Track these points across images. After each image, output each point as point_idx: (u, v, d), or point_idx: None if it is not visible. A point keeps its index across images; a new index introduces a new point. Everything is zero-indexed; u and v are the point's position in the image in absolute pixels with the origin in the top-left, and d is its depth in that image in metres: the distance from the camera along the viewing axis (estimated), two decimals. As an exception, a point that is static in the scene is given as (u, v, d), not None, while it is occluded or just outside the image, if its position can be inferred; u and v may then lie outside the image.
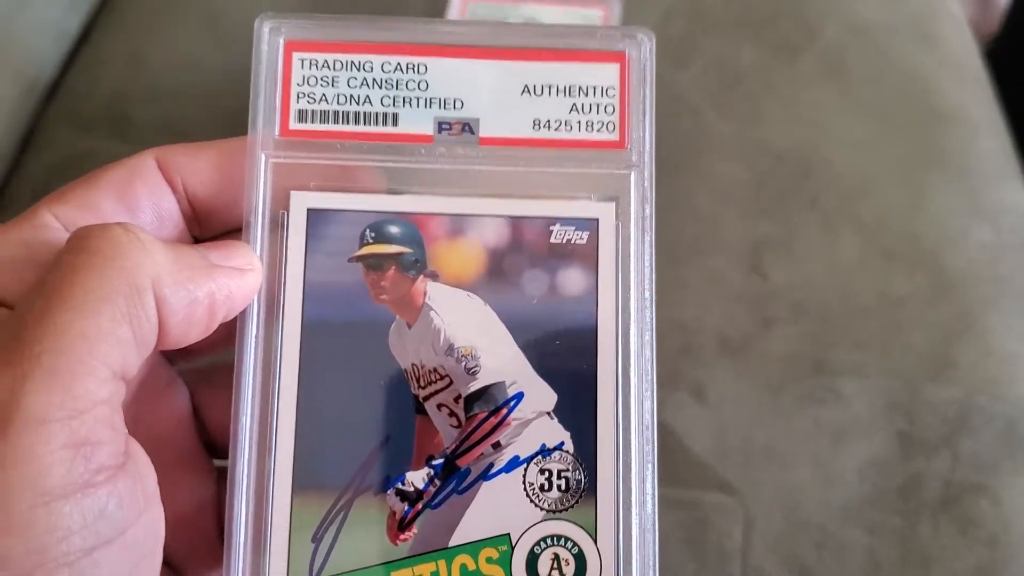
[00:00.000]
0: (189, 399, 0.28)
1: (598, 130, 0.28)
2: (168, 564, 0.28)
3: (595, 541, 0.26)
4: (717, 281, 0.43)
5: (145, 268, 0.23)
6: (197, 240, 0.28)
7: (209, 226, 0.28)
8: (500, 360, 0.27)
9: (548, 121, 0.28)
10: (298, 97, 0.28)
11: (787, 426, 0.40)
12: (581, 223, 0.28)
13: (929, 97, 0.48)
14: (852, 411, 0.40)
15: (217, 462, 0.29)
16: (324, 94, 0.28)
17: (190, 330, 0.24)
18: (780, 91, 0.48)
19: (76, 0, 0.52)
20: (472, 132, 0.28)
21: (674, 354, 0.41)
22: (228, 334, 0.27)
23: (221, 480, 0.29)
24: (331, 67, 0.28)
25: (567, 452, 0.27)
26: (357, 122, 0.28)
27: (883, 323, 0.42)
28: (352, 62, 0.28)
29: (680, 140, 0.45)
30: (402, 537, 0.26)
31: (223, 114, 0.41)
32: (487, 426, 0.27)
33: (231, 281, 0.25)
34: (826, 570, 0.38)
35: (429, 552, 0.26)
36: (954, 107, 0.48)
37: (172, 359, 0.28)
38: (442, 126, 0.28)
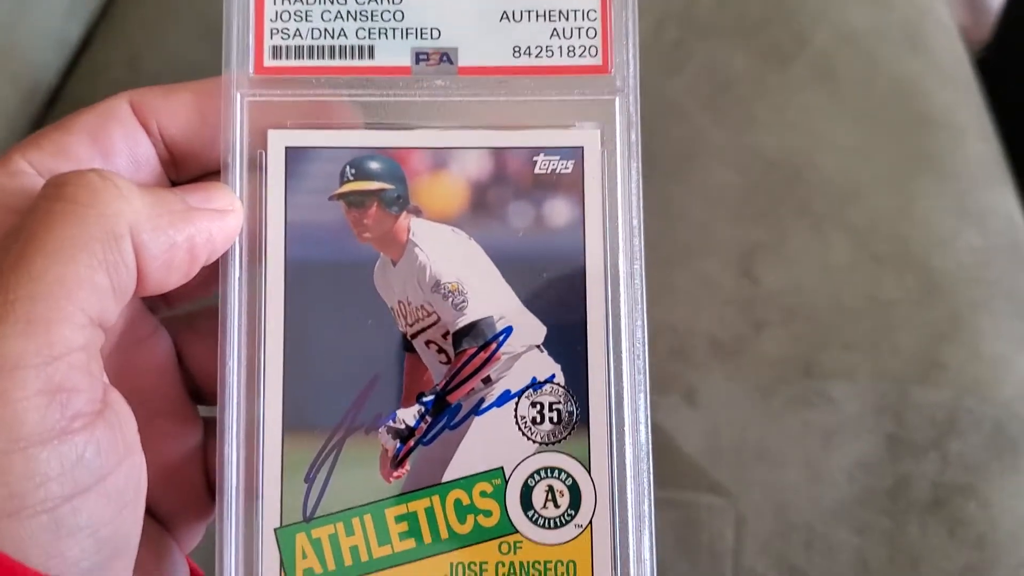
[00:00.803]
0: (172, 347, 0.28)
1: (580, 55, 0.27)
2: (154, 516, 0.28)
3: (589, 471, 0.26)
4: (708, 285, 0.43)
5: (123, 214, 0.22)
6: (174, 184, 0.27)
7: (186, 169, 0.27)
8: (487, 295, 0.27)
9: (529, 48, 0.27)
10: (271, 33, 0.27)
11: (778, 428, 0.41)
12: (566, 152, 0.27)
13: (918, 102, 0.48)
14: (842, 413, 0.41)
15: (203, 410, 0.29)
16: (298, 29, 0.27)
17: (171, 275, 0.24)
18: (771, 97, 0.48)
19: (76, 7, 0.52)
20: (451, 62, 0.27)
21: (666, 357, 0.42)
22: (209, 279, 0.26)
23: (207, 429, 0.28)
24: (304, 1, 0.27)
25: (558, 384, 0.26)
26: (332, 56, 0.27)
27: (873, 326, 0.43)
28: (325, -6, 0.27)
29: (672, 145, 0.45)
30: (395, 474, 0.26)
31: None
32: (476, 361, 0.27)
33: (211, 224, 0.25)
34: (816, 570, 0.39)
35: (423, 488, 0.26)
36: (943, 112, 0.48)
37: (154, 307, 0.28)
38: (420, 57, 0.27)
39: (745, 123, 0.47)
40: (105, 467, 0.22)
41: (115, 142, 0.25)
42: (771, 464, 0.40)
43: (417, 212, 0.27)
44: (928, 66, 0.49)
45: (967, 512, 0.39)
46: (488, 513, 0.26)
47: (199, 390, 0.29)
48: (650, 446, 0.26)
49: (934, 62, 0.50)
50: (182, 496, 0.28)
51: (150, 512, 0.26)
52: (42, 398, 0.20)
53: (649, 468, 0.26)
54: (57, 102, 0.52)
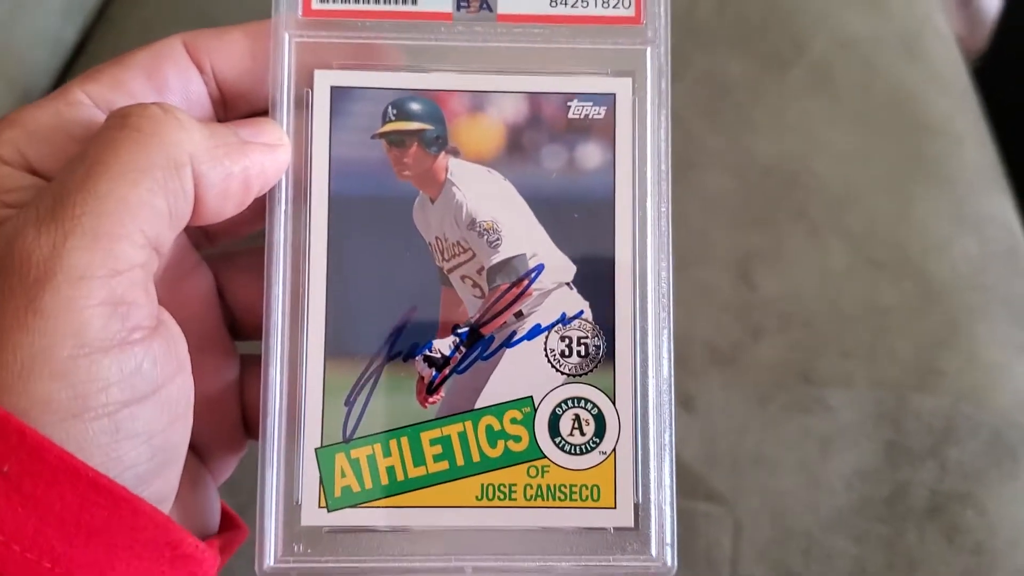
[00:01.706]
0: (213, 282, 0.29)
1: (615, 6, 0.28)
2: (191, 446, 0.29)
3: (614, 402, 0.28)
4: (706, 291, 0.44)
5: (183, 144, 0.24)
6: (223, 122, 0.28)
7: (235, 109, 0.28)
8: (521, 233, 0.28)
9: (565, -3, 0.28)
10: (318, -23, 0.28)
11: (775, 435, 0.41)
12: (598, 98, 0.28)
13: (915, 109, 0.48)
14: (840, 420, 0.41)
15: (240, 346, 0.30)
16: (344, -26, 0.28)
17: (226, 203, 0.25)
18: (769, 103, 0.48)
19: (72, 10, 0.52)
20: (490, 9, 0.28)
21: None
22: (252, 216, 0.27)
23: (244, 365, 0.30)
24: (350, -54, 0.28)
25: (586, 320, 0.28)
26: (377, 1, 0.28)
27: (870, 332, 0.43)
28: (370, -59, 0.28)
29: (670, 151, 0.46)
30: (431, 400, 0.27)
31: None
32: (509, 296, 0.28)
33: (263, 156, 0.26)
34: (814, 578, 0.39)
35: (456, 414, 0.27)
36: (940, 119, 0.48)
37: (197, 244, 0.29)
38: (460, 3, 0.28)
39: (743, 129, 0.47)
40: (160, 378, 0.23)
41: (169, 79, 0.27)
42: (769, 471, 0.41)
43: (455, 152, 0.28)
44: (926, 74, 0.50)
45: (965, 519, 0.40)
46: (518, 439, 0.27)
47: (238, 325, 0.31)
48: (672, 380, 0.28)
49: (932, 70, 0.50)
50: (219, 428, 0.30)
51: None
52: (105, 308, 0.22)
53: (671, 400, 0.28)
54: None
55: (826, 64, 0.49)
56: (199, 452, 0.30)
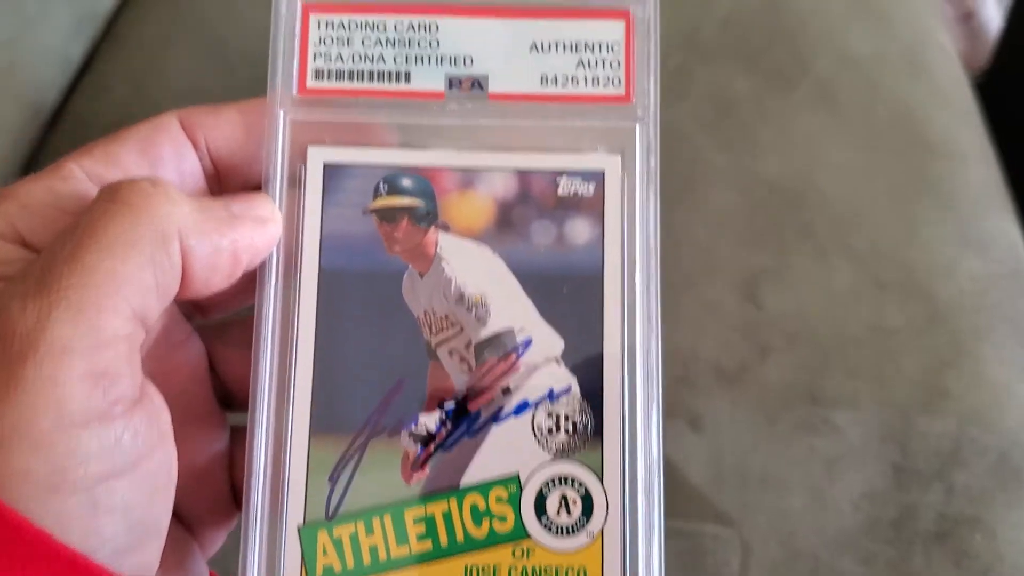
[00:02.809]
0: (205, 354, 0.29)
1: (604, 85, 0.29)
2: (178, 518, 0.28)
3: (602, 481, 0.27)
4: (713, 310, 0.44)
5: (172, 218, 0.24)
6: (217, 197, 0.29)
7: (229, 183, 0.29)
8: (509, 308, 0.28)
9: (555, 77, 0.29)
10: (315, 57, 0.29)
11: (782, 455, 0.41)
12: (588, 175, 0.29)
13: (919, 128, 0.49)
14: (847, 442, 0.41)
15: (232, 417, 0.30)
16: (340, 53, 0.29)
17: (214, 277, 0.25)
18: (774, 122, 0.48)
19: (80, 27, 0.53)
20: (482, 88, 0.29)
21: (671, 383, 0.42)
22: (244, 290, 0.28)
23: (234, 436, 0.30)
24: (346, 28, 0.29)
25: (574, 396, 0.28)
26: (371, 80, 0.29)
27: (876, 353, 0.43)
28: (366, 22, 0.29)
29: (675, 170, 0.46)
30: (416, 477, 0.27)
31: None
32: (497, 371, 0.28)
33: (253, 231, 0.26)
34: (822, 600, 0.39)
35: (441, 492, 0.27)
36: (944, 138, 0.49)
37: (188, 316, 0.29)
38: (453, 83, 0.29)
39: (748, 147, 0.48)
40: (140, 452, 0.23)
41: (163, 154, 0.27)
42: (776, 492, 0.40)
43: (445, 227, 0.28)
44: (929, 92, 0.50)
45: (973, 543, 0.39)
46: (503, 518, 0.27)
47: (228, 396, 0.31)
48: (661, 459, 0.27)
49: (935, 88, 0.50)
50: (207, 500, 0.29)
51: (175, 513, 0.27)
52: (87, 380, 0.22)
53: (660, 480, 0.27)
54: (60, 120, 0.52)
55: (830, 82, 0.49)
56: (187, 524, 0.29)
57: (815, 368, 0.42)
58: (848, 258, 0.45)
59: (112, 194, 0.24)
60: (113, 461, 0.22)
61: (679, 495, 0.40)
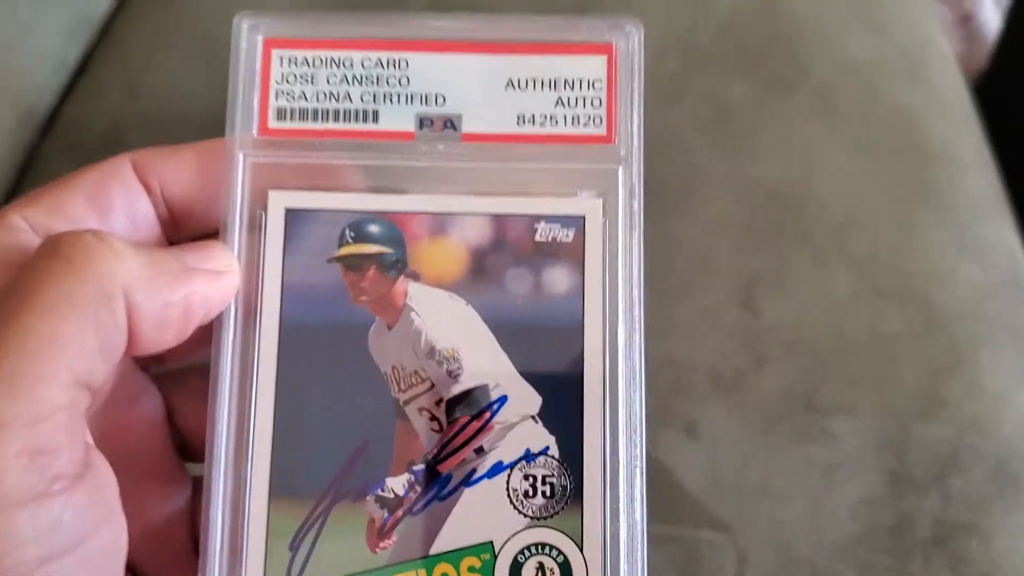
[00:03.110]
0: (162, 405, 0.28)
1: (585, 124, 0.27)
2: None
3: (581, 549, 0.25)
4: (709, 318, 0.43)
5: (117, 274, 0.22)
6: (173, 244, 0.27)
7: (185, 229, 0.27)
8: (483, 362, 0.26)
9: (533, 116, 0.27)
10: (277, 95, 0.27)
11: (779, 463, 0.40)
12: (567, 220, 0.27)
13: (918, 134, 0.48)
14: (844, 450, 0.40)
15: (191, 467, 0.28)
16: (303, 92, 0.27)
17: (164, 335, 0.24)
18: (772, 128, 0.48)
19: (75, 30, 0.53)
20: (455, 128, 0.27)
21: (666, 391, 0.41)
22: (203, 338, 0.26)
23: (194, 489, 0.28)
24: (311, 64, 0.27)
25: (552, 457, 0.26)
26: (337, 120, 0.27)
27: (874, 360, 0.42)
28: (332, 58, 0.27)
29: (671, 176, 0.45)
30: (382, 545, 0.25)
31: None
32: (469, 430, 0.26)
33: (207, 284, 0.25)
34: (818, 608, 0.38)
35: (409, 560, 0.25)
36: (943, 144, 0.48)
37: (145, 364, 0.28)
38: (424, 122, 0.27)
39: (745, 154, 0.47)
40: (83, 530, 0.21)
41: (113, 200, 0.25)
42: (772, 500, 0.40)
43: (415, 276, 0.27)
44: (928, 98, 0.49)
45: (969, 550, 0.39)
46: (476, 589, 0.25)
47: (188, 447, 0.29)
48: (645, 524, 0.25)
49: (934, 94, 0.50)
50: (167, 558, 0.28)
51: (132, 571, 0.26)
52: (23, 459, 0.20)
53: (644, 547, 0.25)
54: (54, 124, 0.52)
55: (828, 88, 0.49)
56: None
57: (812, 376, 0.42)
58: (846, 265, 0.44)
59: (53, 249, 0.22)
60: (53, 543, 0.21)
61: (674, 502, 0.39)
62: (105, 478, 0.22)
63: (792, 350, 0.42)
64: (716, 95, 0.48)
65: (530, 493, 0.26)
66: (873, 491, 0.40)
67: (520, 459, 0.26)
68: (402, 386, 0.26)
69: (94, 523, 0.22)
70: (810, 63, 0.49)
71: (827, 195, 0.46)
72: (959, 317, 0.43)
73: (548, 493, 0.26)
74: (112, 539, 0.22)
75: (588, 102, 0.27)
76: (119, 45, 0.53)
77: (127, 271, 0.23)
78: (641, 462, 0.26)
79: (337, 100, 0.27)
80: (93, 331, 0.22)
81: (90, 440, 0.23)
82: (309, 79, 0.27)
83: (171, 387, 0.28)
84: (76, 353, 0.21)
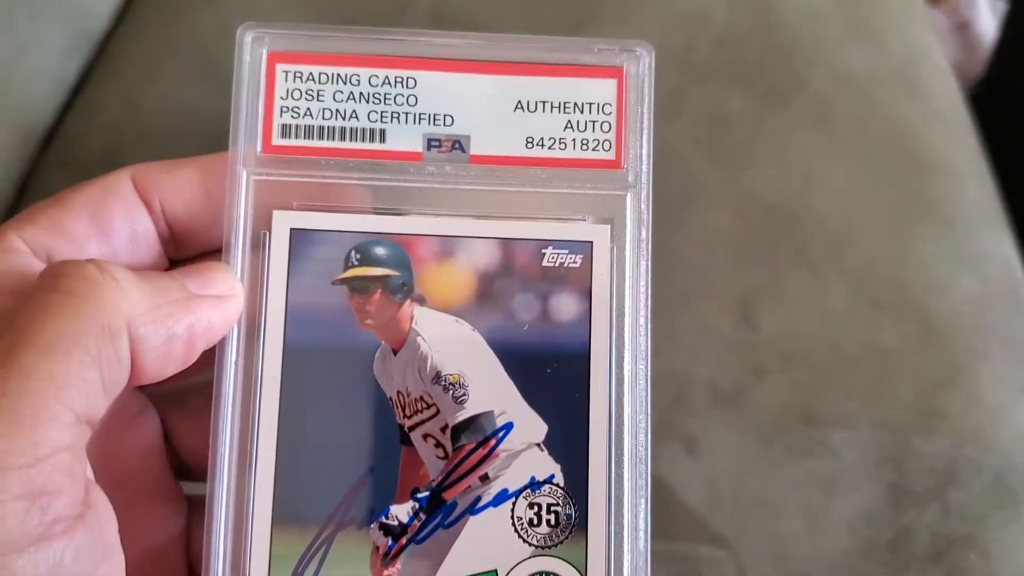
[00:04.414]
0: (160, 426, 0.27)
1: (594, 148, 0.27)
2: None
3: (585, 578, 0.25)
4: (707, 331, 0.43)
5: (120, 308, 0.22)
6: (174, 262, 0.26)
7: (187, 247, 0.26)
8: (489, 389, 0.26)
9: (542, 139, 0.27)
10: (281, 111, 0.27)
11: (778, 477, 0.40)
12: (575, 246, 0.27)
13: (914, 145, 0.48)
14: (842, 463, 0.41)
15: (187, 487, 0.28)
16: (309, 108, 0.27)
17: (168, 365, 0.23)
18: (769, 140, 0.48)
19: (74, 47, 0.52)
20: (462, 150, 0.27)
21: (665, 404, 0.41)
22: (203, 358, 0.25)
23: (191, 510, 0.28)
24: (316, 80, 0.27)
25: (557, 485, 0.26)
26: (343, 138, 0.27)
27: (872, 373, 0.42)
28: (339, 75, 0.27)
29: (669, 189, 0.45)
30: (386, 573, 0.25)
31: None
32: (475, 458, 0.26)
33: (211, 311, 0.24)
34: (818, 623, 0.39)
35: (413, 588, 0.25)
36: (939, 156, 0.48)
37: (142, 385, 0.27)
38: (431, 143, 0.27)
39: (743, 166, 0.47)
40: (84, 571, 0.21)
41: (114, 219, 0.25)
42: (771, 514, 0.40)
43: (421, 300, 0.26)
44: (925, 109, 0.50)
45: (968, 563, 0.39)
46: (480, 617, 0.25)
47: (185, 467, 0.28)
48: (649, 554, 0.26)
49: (930, 105, 0.50)
50: None
51: None
52: (22, 502, 0.20)
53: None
54: (53, 141, 0.51)
55: (825, 100, 0.49)
56: None
57: (810, 389, 0.42)
58: (843, 277, 0.44)
59: (54, 281, 0.22)
60: None
61: (673, 517, 0.39)
62: (105, 516, 0.22)
63: (790, 363, 0.42)
64: (713, 108, 0.48)
65: (535, 521, 0.26)
66: (872, 504, 0.40)
67: (525, 487, 0.26)
68: (407, 412, 0.26)
69: (93, 564, 0.21)
70: (806, 75, 0.49)
71: (824, 207, 0.46)
72: (956, 329, 0.43)
73: (553, 522, 0.26)
74: None
75: (597, 126, 0.27)
76: (118, 62, 0.52)
77: (130, 304, 0.22)
78: (647, 492, 0.26)
79: (343, 118, 0.27)
80: (96, 367, 0.21)
81: (91, 475, 0.22)
82: (315, 95, 0.27)
83: (169, 407, 0.28)
84: (77, 392, 0.21)
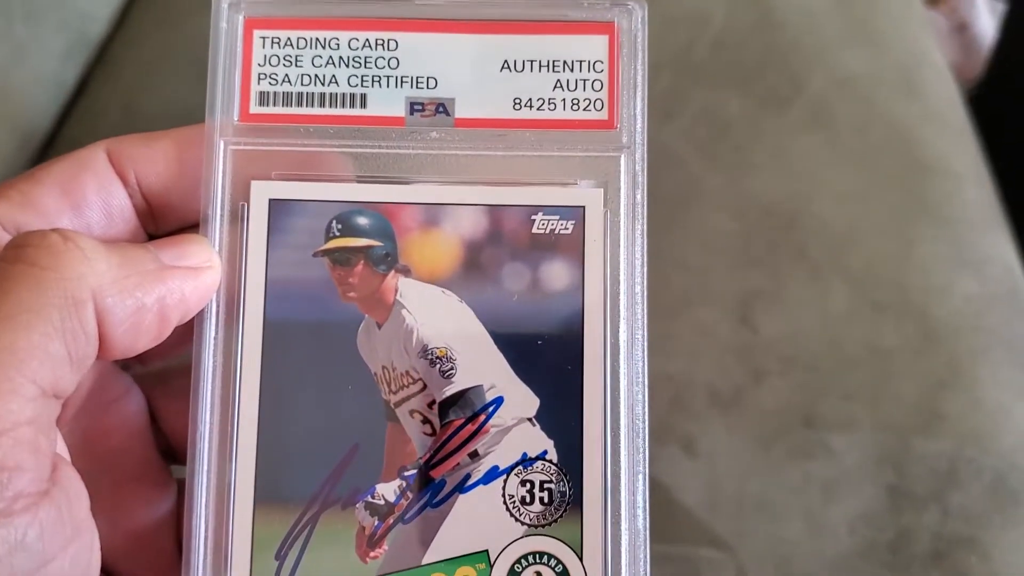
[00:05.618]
0: (145, 406, 0.27)
1: (585, 108, 0.26)
2: None
3: (581, 558, 0.24)
4: (707, 333, 0.43)
5: (85, 278, 0.21)
6: (152, 237, 0.26)
7: (165, 221, 0.26)
8: (477, 362, 0.25)
9: (530, 99, 0.26)
10: (259, 78, 0.26)
11: (778, 480, 0.40)
12: (566, 211, 0.25)
13: (914, 147, 0.48)
14: (842, 465, 0.41)
15: (176, 469, 0.27)
16: (287, 75, 0.26)
17: (139, 339, 0.23)
18: (768, 142, 0.48)
19: (73, 51, 0.52)
20: (447, 113, 0.26)
21: (664, 407, 0.41)
22: (186, 335, 0.25)
23: (180, 492, 0.27)
24: (294, 45, 0.26)
25: (550, 462, 0.25)
26: (323, 104, 0.26)
27: (872, 375, 0.42)
28: (317, 39, 0.26)
29: (668, 192, 0.45)
30: (372, 554, 0.24)
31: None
32: (464, 434, 0.25)
33: (184, 282, 0.23)
34: (818, 624, 0.39)
35: (401, 570, 0.24)
36: (939, 158, 0.48)
37: (126, 364, 0.27)
38: (414, 107, 0.26)
39: (742, 169, 0.47)
40: (48, 551, 0.20)
41: (87, 193, 0.24)
42: (772, 517, 0.40)
43: (406, 272, 0.25)
44: (924, 111, 0.49)
45: (968, 565, 0.39)
46: (470, 600, 0.24)
47: (173, 450, 0.28)
48: (648, 533, 0.24)
49: (930, 107, 0.50)
50: (153, 565, 0.27)
51: None
52: None
53: (646, 556, 0.24)
54: (53, 146, 0.52)
55: (825, 102, 0.49)
56: None
57: (810, 391, 0.42)
58: (843, 279, 0.44)
59: (16, 252, 0.21)
60: (14, 565, 0.19)
61: (673, 519, 0.39)
62: (74, 493, 0.21)
63: (790, 365, 0.42)
64: (712, 111, 0.48)
65: (527, 499, 0.24)
66: (872, 506, 0.40)
67: (517, 464, 0.25)
68: (393, 387, 0.25)
69: (61, 542, 0.21)
70: (805, 77, 0.49)
71: (823, 209, 0.46)
72: (957, 331, 0.43)
73: (546, 500, 0.24)
74: (81, 558, 0.21)
75: (588, 85, 0.26)
76: (117, 66, 0.53)
77: (96, 273, 0.21)
78: (644, 467, 0.24)
79: (323, 83, 0.26)
80: (60, 339, 0.20)
81: (61, 452, 0.22)
82: (293, 61, 0.26)
83: (154, 387, 0.27)
84: (40, 363, 0.20)
